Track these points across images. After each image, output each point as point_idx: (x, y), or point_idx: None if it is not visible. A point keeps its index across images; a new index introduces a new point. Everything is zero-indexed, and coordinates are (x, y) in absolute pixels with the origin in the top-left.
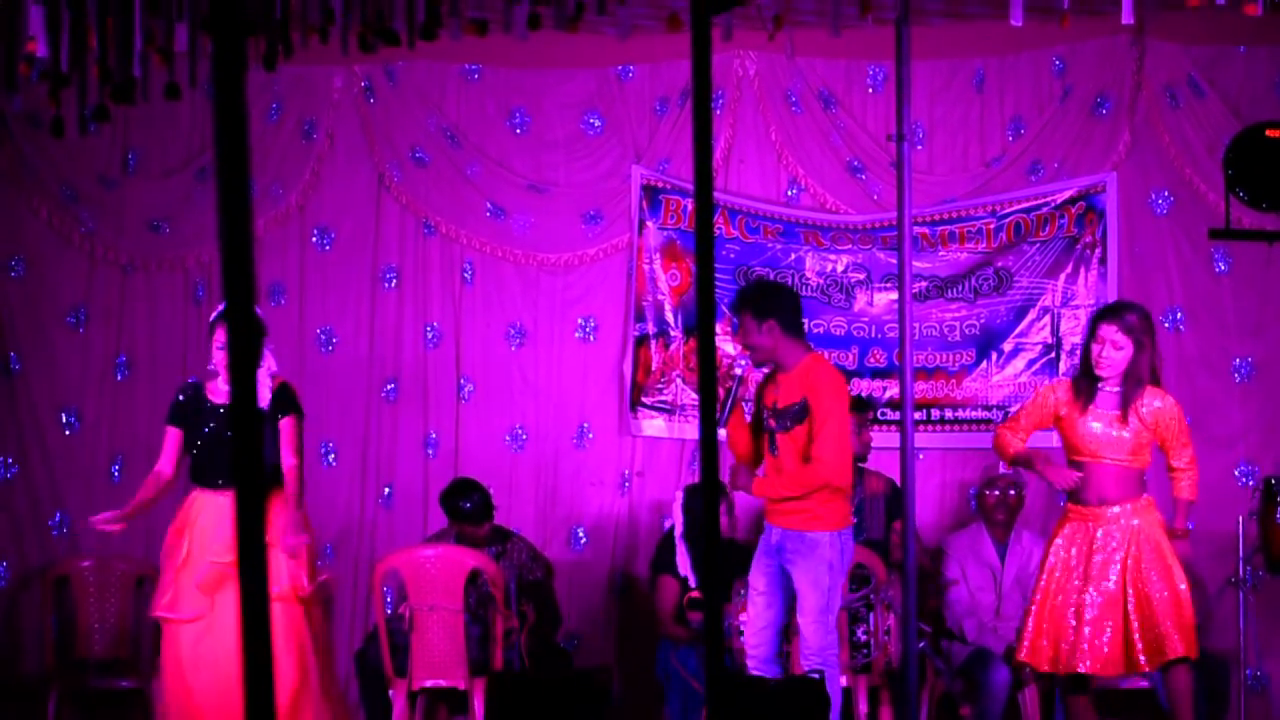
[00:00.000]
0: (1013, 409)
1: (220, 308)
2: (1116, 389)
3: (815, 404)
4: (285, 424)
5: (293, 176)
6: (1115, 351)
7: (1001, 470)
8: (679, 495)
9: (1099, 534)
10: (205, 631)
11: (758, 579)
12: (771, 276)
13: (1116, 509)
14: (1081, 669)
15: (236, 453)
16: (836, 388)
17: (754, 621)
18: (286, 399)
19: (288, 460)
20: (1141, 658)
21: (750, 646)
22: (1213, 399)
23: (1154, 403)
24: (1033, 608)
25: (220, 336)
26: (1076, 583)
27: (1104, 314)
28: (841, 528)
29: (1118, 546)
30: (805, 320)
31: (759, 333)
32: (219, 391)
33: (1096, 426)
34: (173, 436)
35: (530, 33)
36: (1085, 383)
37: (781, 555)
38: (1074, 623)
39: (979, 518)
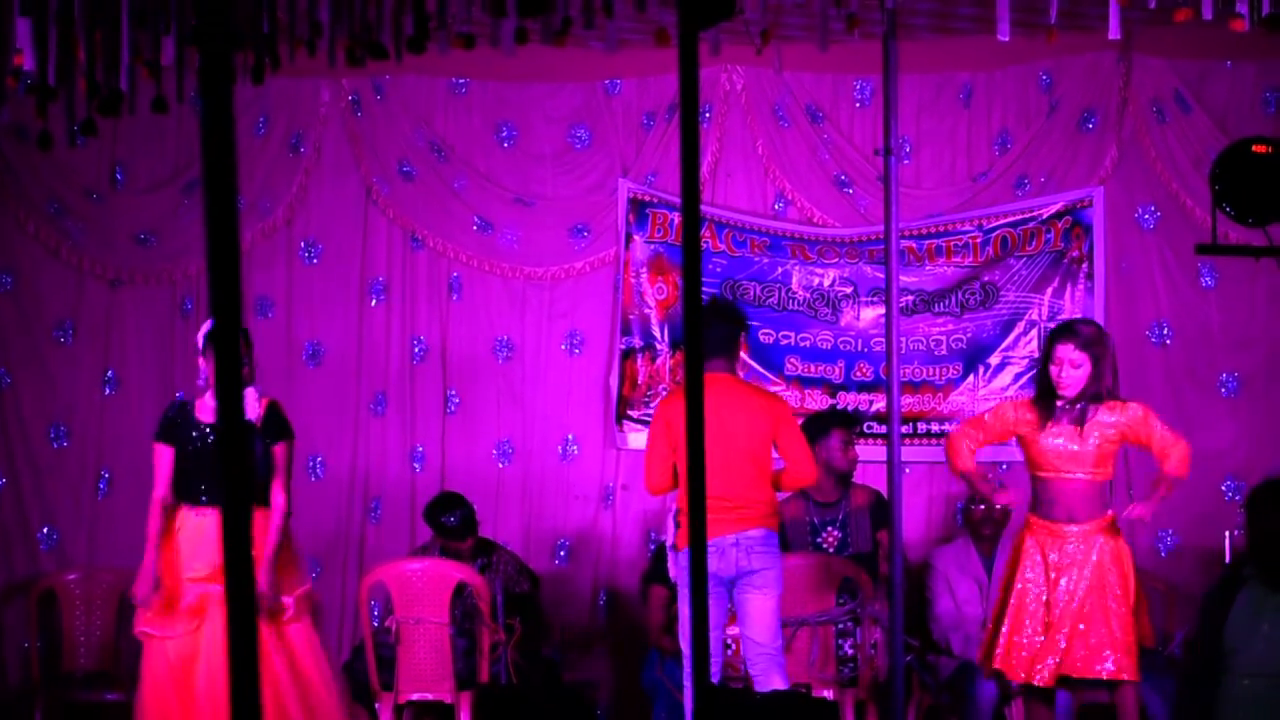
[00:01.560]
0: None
1: (208, 325)
2: (1075, 404)
3: None
4: (278, 451)
5: (280, 190)
6: (1074, 370)
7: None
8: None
9: (1060, 551)
10: (190, 649)
11: None
12: (758, 290)
13: (1077, 528)
14: (1038, 681)
15: (224, 466)
16: None
17: None
18: (279, 422)
19: (279, 497)
20: (1078, 664)
21: None
22: (1199, 414)
23: (1114, 416)
24: (1005, 621)
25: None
26: (1042, 596)
27: (1058, 334)
28: (682, 548)
29: (1079, 564)
30: (781, 339)
31: None
32: (206, 409)
33: (1057, 442)
34: (164, 454)
35: (518, 47)
36: (1044, 401)
37: None
38: (1041, 636)
39: (965, 531)
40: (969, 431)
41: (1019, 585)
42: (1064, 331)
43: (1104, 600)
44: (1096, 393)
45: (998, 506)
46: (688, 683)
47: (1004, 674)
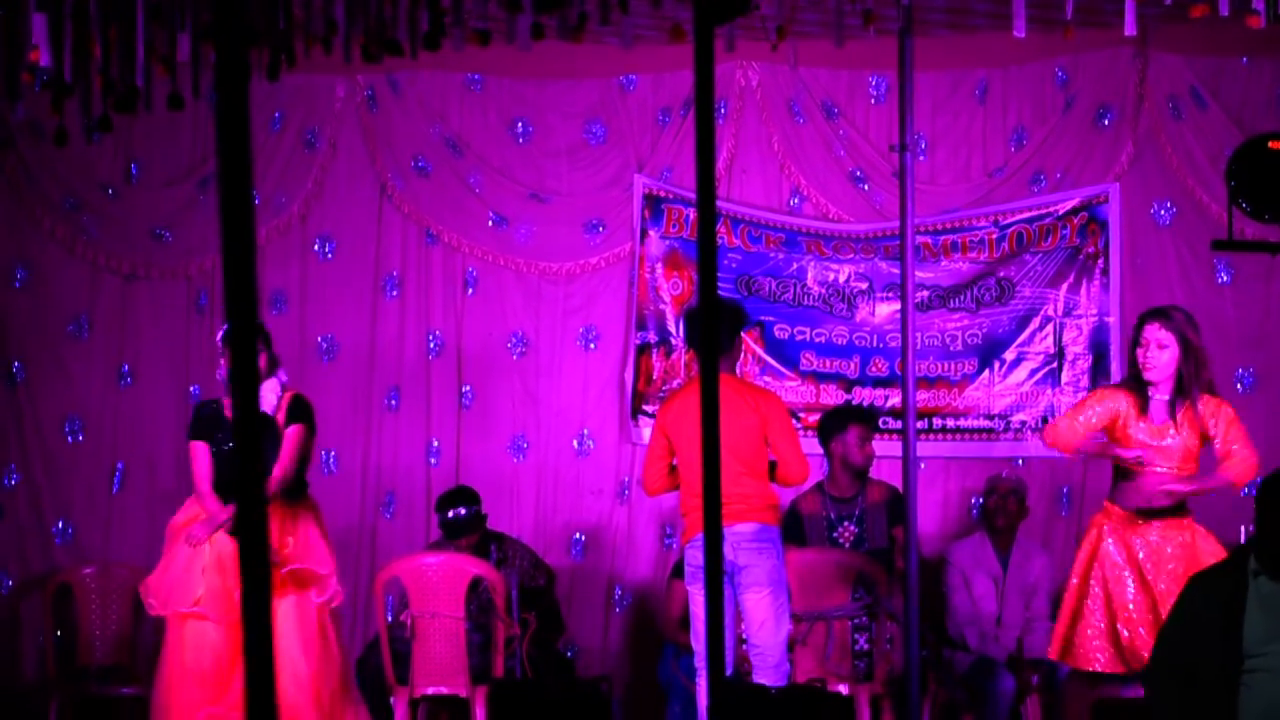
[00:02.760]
0: (1015, 415)
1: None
2: (1165, 396)
3: None
4: (290, 431)
5: (295, 186)
6: (1160, 351)
7: (1004, 478)
8: None
9: (1144, 541)
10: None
11: None
12: (774, 286)
13: (1159, 521)
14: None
15: (240, 461)
16: None
17: None
18: (300, 410)
19: (276, 470)
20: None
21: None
22: None
23: (1204, 411)
24: (1079, 611)
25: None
26: (1127, 589)
27: (1147, 315)
28: (683, 543)
29: (1161, 557)
30: (791, 335)
31: None
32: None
33: (1147, 436)
34: (201, 451)
35: (533, 43)
36: (1139, 390)
37: None
38: (1144, 629)
39: (981, 526)
40: (1072, 418)
41: (1097, 575)
42: (1152, 313)
43: None
44: (1186, 386)
45: (1132, 460)
46: (701, 678)
47: (1086, 669)
